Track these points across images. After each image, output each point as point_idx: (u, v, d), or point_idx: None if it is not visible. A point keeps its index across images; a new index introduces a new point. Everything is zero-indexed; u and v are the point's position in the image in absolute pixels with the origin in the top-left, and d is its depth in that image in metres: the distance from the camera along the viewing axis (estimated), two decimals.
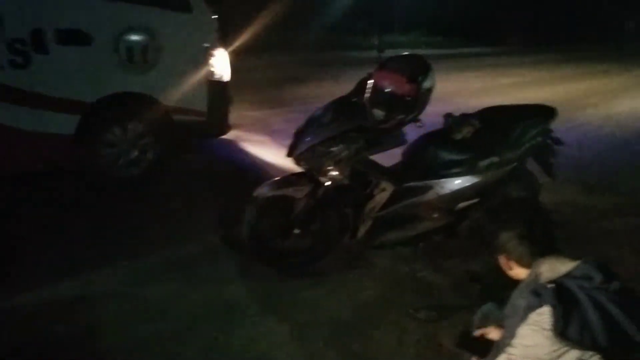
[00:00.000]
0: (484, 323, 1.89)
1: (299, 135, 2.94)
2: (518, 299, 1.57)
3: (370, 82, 2.90)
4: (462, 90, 9.45)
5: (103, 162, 4.16)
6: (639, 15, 26.12)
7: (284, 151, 3.03)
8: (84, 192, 4.13)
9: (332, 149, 2.78)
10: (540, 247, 1.64)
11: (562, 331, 1.35)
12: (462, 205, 3.08)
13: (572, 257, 1.60)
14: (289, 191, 2.92)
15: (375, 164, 2.99)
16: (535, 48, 20.61)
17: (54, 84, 3.76)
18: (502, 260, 1.75)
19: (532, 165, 3.38)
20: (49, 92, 3.74)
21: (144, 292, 2.83)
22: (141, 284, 2.90)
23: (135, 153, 4.32)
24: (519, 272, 1.69)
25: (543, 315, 1.40)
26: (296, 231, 2.97)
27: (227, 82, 4.67)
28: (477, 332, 1.86)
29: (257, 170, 4.87)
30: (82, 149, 4.01)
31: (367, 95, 2.86)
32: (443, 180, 3.01)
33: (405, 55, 3.28)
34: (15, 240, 3.29)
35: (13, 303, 2.67)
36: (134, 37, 4.08)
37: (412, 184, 3.00)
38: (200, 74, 4.45)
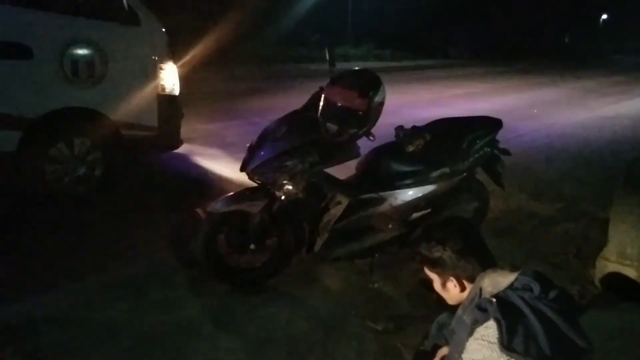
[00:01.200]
0: (440, 335, 1.92)
1: (252, 150, 2.92)
2: (464, 314, 1.59)
3: (320, 95, 2.92)
4: (411, 102, 9.69)
5: (48, 180, 4.00)
6: (576, 29, 27.67)
7: (238, 165, 3.00)
8: (27, 211, 3.94)
9: (287, 162, 2.77)
10: (479, 260, 1.67)
11: (508, 344, 1.38)
12: (415, 215, 3.14)
13: (511, 269, 1.65)
14: (244, 206, 2.88)
15: (330, 177, 3.01)
16: (479, 60, 21.45)
17: None
18: (437, 279, 1.74)
19: (481, 175, 3.49)
20: None
21: (93, 314, 2.71)
22: (89, 306, 2.78)
23: (83, 170, 4.17)
24: (457, 290, 1.69)
25: (489, 329, 1.43)
26: (252, 246, 2.94)
27: (177, 95, 4.60)
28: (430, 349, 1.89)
29: (211, 185, 4.80)
30: (25, 166, 3.84)
31: (318, 108, 2.87)
32: (397, 191, 3.05)
33: (356, 70, 3.33)
34: None
35: None
36: (79, 51, 3.96)
37: (366, 196, 3.03)
38: (150, 88, 4.36)
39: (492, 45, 25.38)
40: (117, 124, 4.22)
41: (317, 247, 3.00)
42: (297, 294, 3.00)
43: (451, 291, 1.72)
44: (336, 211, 2.97)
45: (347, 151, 2.95)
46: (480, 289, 1.58)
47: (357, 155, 3.02)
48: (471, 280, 1.66)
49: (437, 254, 1.69)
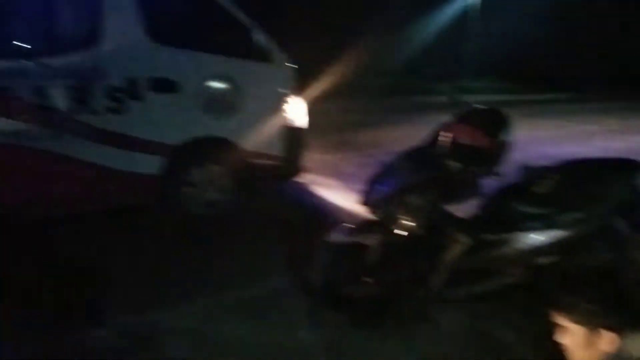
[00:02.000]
0: None
1: (373, 183, 2.97)
2: None
3: (445, 133, 2.90)
4: (539, 138, 9.16)
5: (183, 201, 4.39)
6: None
7: (354, 196, 3.06)
8: (162, 229, 4.35)
9: (407, 198, 2.78)
10: (625, 314, 1.54)
11: None
12: (542, 261, 2.95)
13: None
14: (362, 238, 2.93)
15: (450, 215, 2.95)
16: (617, 95, 19.69)
17: (145, 128, 4.05)
18: (572, 332, 1.62)
19: (618, 222, 3.19)
20: (141, 135, 4.03)
21: (216, 331, 2.90)
22: (212, 323, 2.98)
23: (214, 194, 4.52)
24: (594, 345, 1.57)
25: None
26: (368, 279, 2.96)
27: (302, 128, 4.85)
28: None
29: (328, 215, 4.93)
30: (166, 188, 4.26)
31: (443, 146, 2.85)
32: (522, 234, 2.90)
33: (484, 109, 3.26)
34: (90, 274, 3.50)
35: (83, 337, 2.79)
36: (217, 85, 4.34)
37: (488, 236, 2.92)
38: (277, 120, 4.65)
39: (633, 81, 23.27)
40: (247, 153, 4.54)
41: (434, 286, 2.94)
42: (411, 332, 2.95)
43: (586, 345, 1.59)
44: (456, 251, 2.89)
45: (470, 189, 2.88)
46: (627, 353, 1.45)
47: (480, 194, 2.94)
48: (613, 334, 1.53)
49: (577, 304, 1.58)
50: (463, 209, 3.02)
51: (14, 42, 3.89)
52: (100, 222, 4.23)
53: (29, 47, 3.81)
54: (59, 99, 3.66)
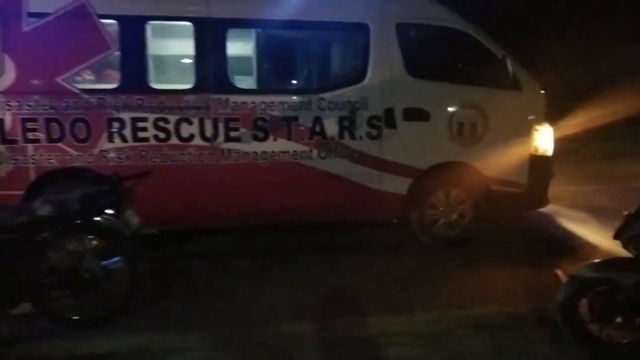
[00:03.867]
0: None
1: (630, 218, 2.81)
2: None
3: None
4: None
5: (425, 222, 4.73)
6: None
7: (607, 231, 2.93)
8: (407, 244, 4.76)
9: None
10: None
11: None
12: None
13: None
14: (614, 275, 2.79)
15: None
16: None
17: (397, 153, 4.53)
18: None
19: None
20: (392, 158, 4.53)
21: (452, 344, 3.11)
22: (450, 335, 3.19)
23: (454, 217, 4.75)
24: None
25: None
26: (618, 320, 2.80)
27: (549, 156, 4.73)
28: None
29: (574, 248, 4.68)
30: (411, 208, 4.66)
31: None
32: None
33: None
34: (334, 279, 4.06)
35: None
36: (465, 114, 4.58)
37: None
38: (524, 148, 4.66)
39: None
40: (489, 180, 4.65)
41: None
42: None
43: None
44: None
45: None
46: None
47: None
48: None
49: None
50: None
51: (301, 81, 4.84)
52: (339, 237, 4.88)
53: (311, 84, 4.69)
54: (331, 126, 4.40)
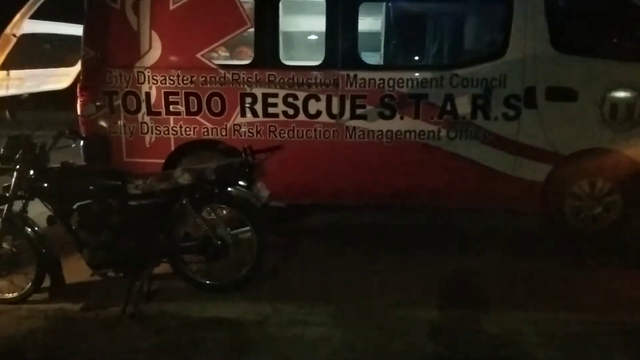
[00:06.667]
0: None
1: None
2: None
3: None
4: None
5: (565, 213, 4.29)
6: None
7: None
8: (541, 236, 4.38)
9: None
10: None
11: None
12: None
13: None
14: None
15: None
16: None
17: (535, 136, 4.14)
18: None
19: None
20: (530, 142, 4.15)
21: (588, 348, 2.80)
22: (584, 340, 2.88)
23: (599, 210, 4.26)
24: None
25: None
26: None
27: None
28: None
29: None
30: (549, 197, 4.26)
31: None
32: None
33: None
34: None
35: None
36: (621, 95, 4.03)
37: None
38: None
39: None
40: None
41: None
42: None
43: None
44: None
45: None
46: None
47: None
48: None
49: None
50: None
51: (432, 57, 4.60)
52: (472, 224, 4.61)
53: (443, 60, 4.42)
54: (463, 105, 4.12)
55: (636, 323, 3.06)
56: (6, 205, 3.11)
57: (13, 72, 4.89)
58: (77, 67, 4.83)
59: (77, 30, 4.69)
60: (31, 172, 3.11)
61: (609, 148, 4.14)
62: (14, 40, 4.64)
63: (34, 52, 5.07)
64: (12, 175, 3.13)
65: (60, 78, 5.86)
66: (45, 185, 3.11)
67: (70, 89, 5.47)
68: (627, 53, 4.11)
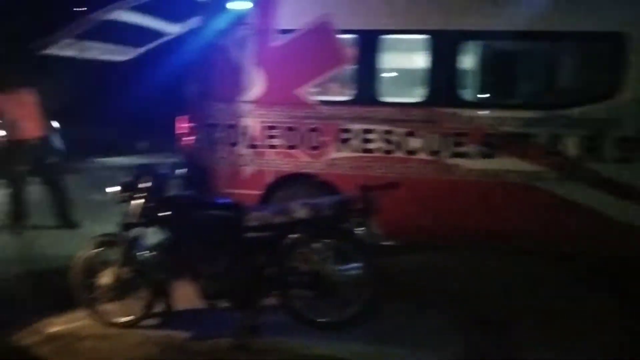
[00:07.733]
0: None
1: None
2: None
3: None
4: None
5: None
6: None
7: None
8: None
9: None
10: None
11: None
12: None
13: None
14: None
15: None
16: None
17: None
18: None
19: None
20: None
21: None
22: None
23: None
24: None
25: None
26: None
27: None
28: None
29: None
30: None
31: None
32: None
33: None
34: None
35: None
36: None
37: None
38: None
39: None
40: None
41: None
42: None
43: None
44: None
45: None
46: None
47: None
48: None
49: None
50: None
51: (537, 96, 4.49)
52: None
53: (549, 99, 4.30)
54: (571, 146, 3.97)
55: None
56: (130, 232, 3.19)
57: None
58: None
59: None
60: (152, 200, 3.20)
61: None
62: None
63: None
64: (129, 203, 3.23)
65: None
66: (165, 213, 3.18)
67: None
68: None
